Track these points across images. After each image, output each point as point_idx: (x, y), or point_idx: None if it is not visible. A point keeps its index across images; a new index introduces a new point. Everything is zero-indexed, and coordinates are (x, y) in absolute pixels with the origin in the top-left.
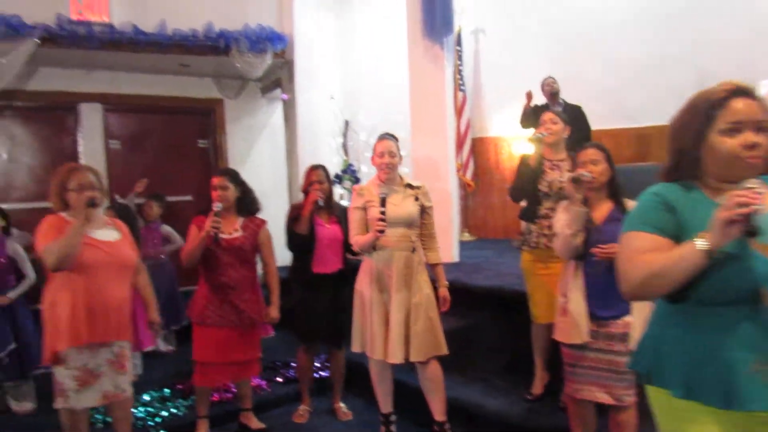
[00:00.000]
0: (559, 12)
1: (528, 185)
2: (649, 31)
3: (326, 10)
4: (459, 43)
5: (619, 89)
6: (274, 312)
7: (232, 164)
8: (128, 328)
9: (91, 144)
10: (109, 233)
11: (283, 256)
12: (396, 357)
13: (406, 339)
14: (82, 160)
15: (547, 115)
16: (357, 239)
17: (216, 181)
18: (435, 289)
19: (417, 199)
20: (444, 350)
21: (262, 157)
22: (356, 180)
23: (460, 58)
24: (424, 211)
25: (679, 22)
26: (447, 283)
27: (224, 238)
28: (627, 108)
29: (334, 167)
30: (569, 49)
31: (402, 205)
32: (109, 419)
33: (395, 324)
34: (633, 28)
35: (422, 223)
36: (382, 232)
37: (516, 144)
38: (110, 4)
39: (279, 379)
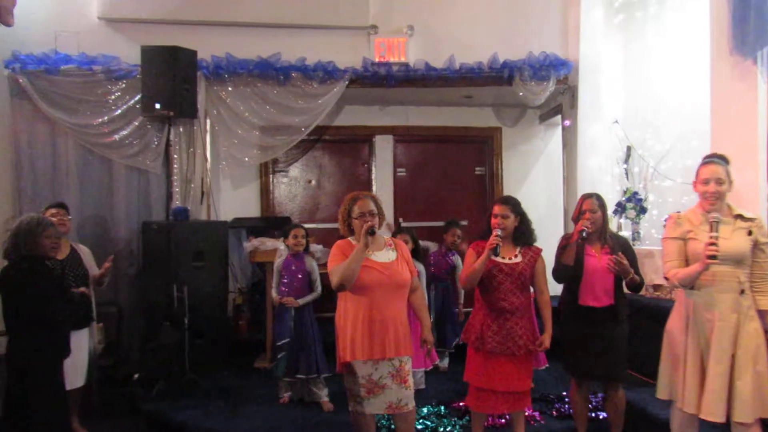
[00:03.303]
0: None
1: None
2: None
3: (615, 31)
4: None
5: None
6: (547, 341)
7: (507, 190)
8: (407, 344)
9: (382, 172)
10: (387, 254)
11: (554, 285)
12: (715, 415)
13: (729, 395)
14: (374, 187)
15: None
16: (676, 272)
17: (497, 209)
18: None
19: (750, 233)
20: None
21: (538, 184)
22: (642, 209)
23: None
24: (757, 247)
25: None
26: None
27: (506, 263)
28: None
29: (616, 195)
30: None
31: (731, 239)
32: (393, 426)
33: (715, 376)
34: None
35: (754, 261)
36: (714, 258)
37: None
38: (407, 45)
39: (553, 413)
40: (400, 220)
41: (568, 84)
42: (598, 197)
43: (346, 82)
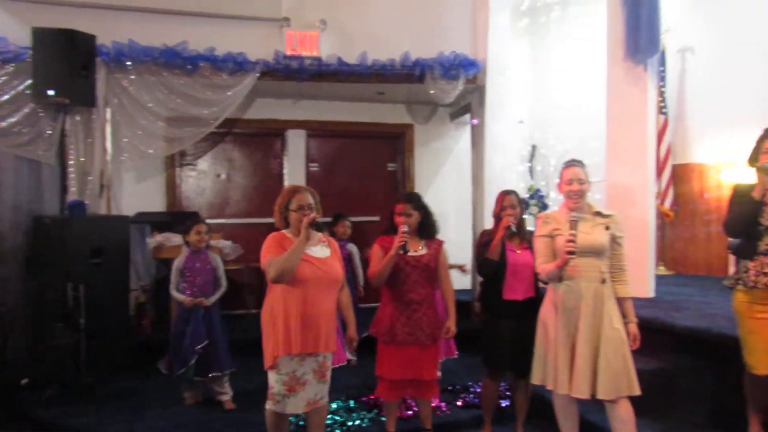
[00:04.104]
0: None
1: (747, 218)
2: None
3: (521, 34)
4: (662, 63)
5: None
6: (453, 326)
7: (418, 187)
8: (334, 341)
9: (295, 166)
10: (322, 250)
11: (459, 278)
12: (582, 392)
13: (594, 374)
14: (286, 181)
15: None
16: (544, 267)
17: (400, 208)
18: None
19: (608, 228)
20: (636, 390)
21: (448, 181)
22: (544, 206)
23: (662, 79)
24: (614, 241)
25: None
26: (636, 319)
27: (412, 255)
28: None
29: (520, 192)
30: None
31: (592, 234)
32: (302, 422)
33: (582, 357)
34: None
35: (612, 254)
36: (572, 253)
37: (726, 171)
38: (320, 39)
39: (458, 403)
40: None
41: (476, 84)
42: (516, 194)
43: (257, 75)
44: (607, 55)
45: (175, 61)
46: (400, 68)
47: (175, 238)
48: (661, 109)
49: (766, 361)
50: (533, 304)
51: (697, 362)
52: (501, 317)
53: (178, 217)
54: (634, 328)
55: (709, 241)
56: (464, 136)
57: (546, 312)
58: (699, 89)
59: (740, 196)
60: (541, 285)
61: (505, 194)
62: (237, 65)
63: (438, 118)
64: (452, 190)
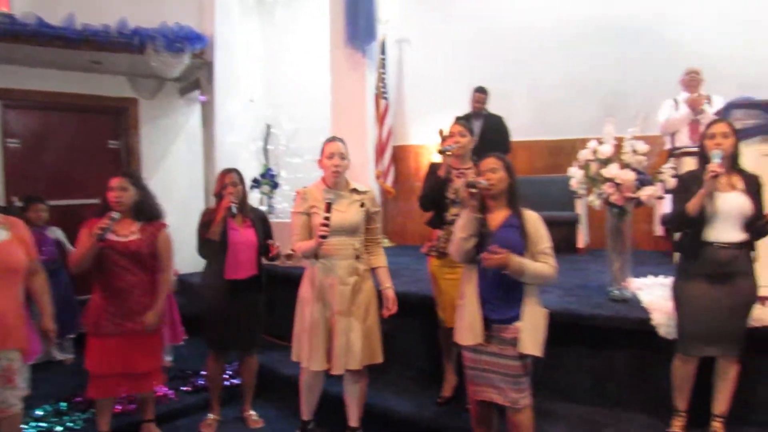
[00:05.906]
0: (483, 26)
1: (436, 193)
2: (567, 53)
3: (248, 12)
4: (383, 51)
5: (535, 104)
6: (150, 317)
7: (146, 166)
8: (15, 337)
9: None
10: None
11: (196, 261)
12: (340, 368)
13: (348, 348)
14: None
15: (455, 128)
16: (299, 245)
17: (115, 182)
18: (379, 293)
19: (363, 204)
20: (380, 358)
21: (179, 160)
22: (275, 185)
23: (384, 66)
24: (369, 216)
25: (595, 46)
26: (392, 285)
27: (120, 241)
28: (542, 122)
29: (252, 171)
30: (492, 63)
31: (347, 212)
32: None
33: (340, 333)
34: (555, 48)
35: (367, 228)
36: (324, 238)
37: (436, 153)
38: None
39: (187, 388)
40: (14, 199)
41: (204, 59)
42: (238, 171)
43: None
44: (330, 39)
45: None
46: (116, 36)
47: None
48: (383, 94)
49: (452, 316)
50: (257, 281)
51: (410, 322)
52: (225, 297)
53: None
54: (390, 293)
55: (423, 214)
56: (196, 113)
57: (303, 289)
58: (414, 77)
59: (431, 173)
60: (264, 262)
61: (226, 172)
62: None
63: (166, 93)
64: (184, 168)
